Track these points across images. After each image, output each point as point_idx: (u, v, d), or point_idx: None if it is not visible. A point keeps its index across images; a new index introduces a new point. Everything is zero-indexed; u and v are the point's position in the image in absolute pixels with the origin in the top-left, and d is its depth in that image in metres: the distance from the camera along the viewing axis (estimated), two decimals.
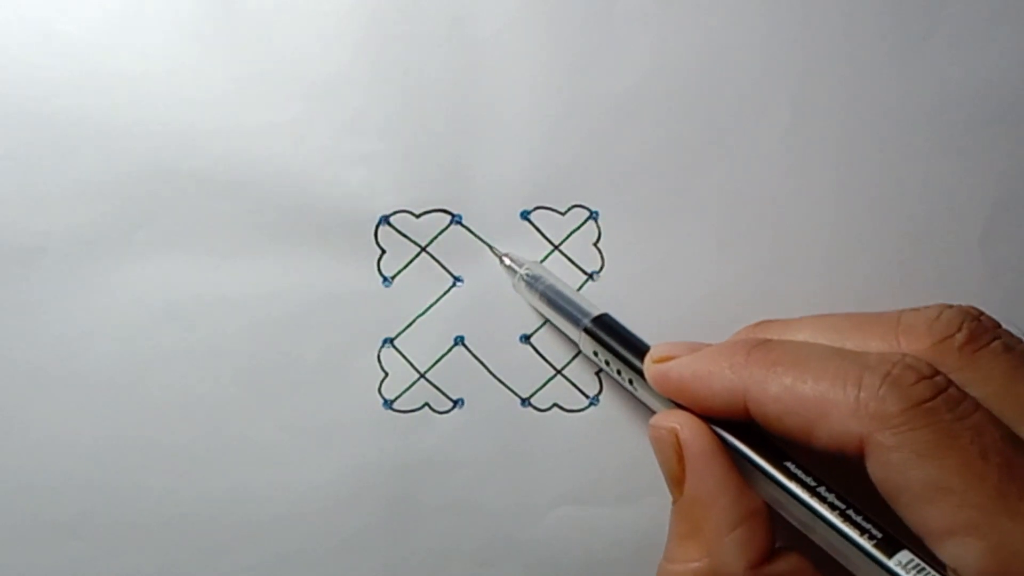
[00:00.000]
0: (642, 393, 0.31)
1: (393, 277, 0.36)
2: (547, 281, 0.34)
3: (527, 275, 0.34)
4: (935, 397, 0.23)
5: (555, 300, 0.34)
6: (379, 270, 0.36)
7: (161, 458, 0.35)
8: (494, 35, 0.36)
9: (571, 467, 0.35)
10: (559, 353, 0.36)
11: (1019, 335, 0.27)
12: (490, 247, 0.35)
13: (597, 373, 0.36)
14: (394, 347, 0.36)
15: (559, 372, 0.36)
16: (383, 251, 0.36)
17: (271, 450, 0.35)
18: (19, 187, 0.35)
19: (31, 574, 0.35)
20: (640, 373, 0.31)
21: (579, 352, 0.36)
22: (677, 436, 0.27)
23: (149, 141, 0.35)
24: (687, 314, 0.36)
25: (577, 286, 0.36)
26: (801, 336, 0.29)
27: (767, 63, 0.36)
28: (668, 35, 0.36)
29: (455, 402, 0.36)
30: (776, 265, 0.36)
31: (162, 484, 0.35)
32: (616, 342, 0.32)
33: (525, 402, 0.36)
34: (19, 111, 0.35)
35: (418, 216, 0.36)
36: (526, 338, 0.36)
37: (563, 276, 0.36)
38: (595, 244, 0.36)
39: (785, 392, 0.25)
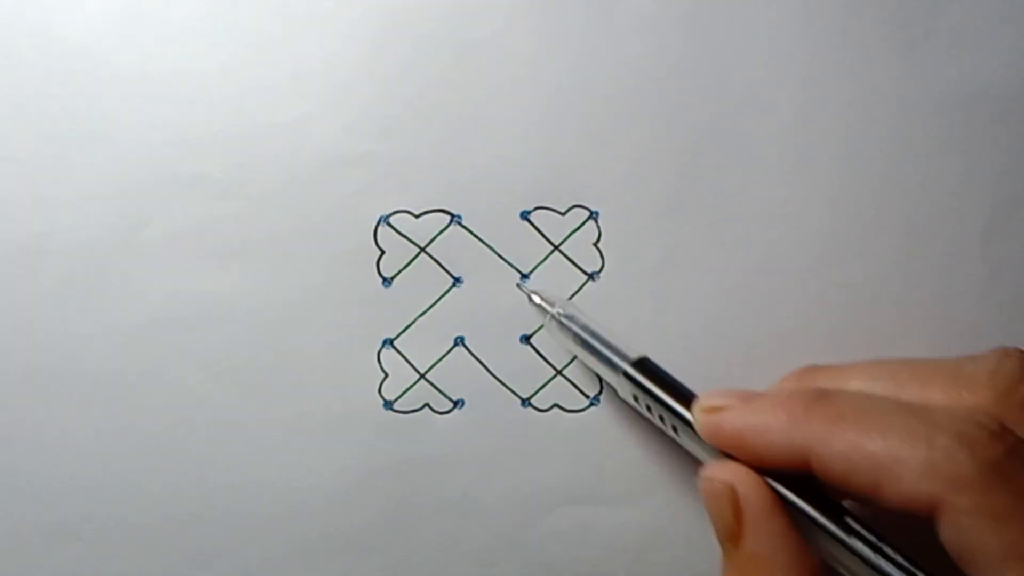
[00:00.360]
0: (686, 440, 0.30)
1: (393, 278, 0.36)
2: (581, 321, 0.33)
3: (560, 314, 0.33)
4: (1010, 458, 0.23)
5: (590, 341, 0.32)
6: (378, 271, 0.36)
7: (161, 459, 0.35)
8: (494, 35, 0.36)
9: (572, 467, 0.35)
10: (559, 353, 0.36)
11: None
12: (518, 285, 0.35)
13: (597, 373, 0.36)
14: (394, 348, 0.36)
15: (559, 372, 0.36)
16: (382, 251, 0.36)
17: (271, 450, 0.35)
18: (19, 187, 0.35)
19: (32, 575, 0.35)
20: (686, 421, 0.30)
21: None
22: (734, 490, 0.27)
23: (149, 141, 0.35)
24: (687, 314, 0.36)
25: (577, 286, 0.36)
26: (855, 384, 0.28)
27: (767, 63, 0.36)
28: (668, 35, 0.36)
29: (455, 403, 0.36)
30: (776, 265, 0.36)
31: (162, 484, 0.35)
32: (659, 388, 0.31)
33: (525, 402, 0.36)
34: (20, 111, 0.35)
35: (417, 216, 0.36)
36: (526, 338, 0.36)
37: (563, 276, 0.36)
38: (595, 244, 0.36)
39: (852, 449, 0.24)
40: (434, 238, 0.36)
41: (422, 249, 0.36)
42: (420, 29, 0.36)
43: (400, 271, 0.36)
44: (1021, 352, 0.27)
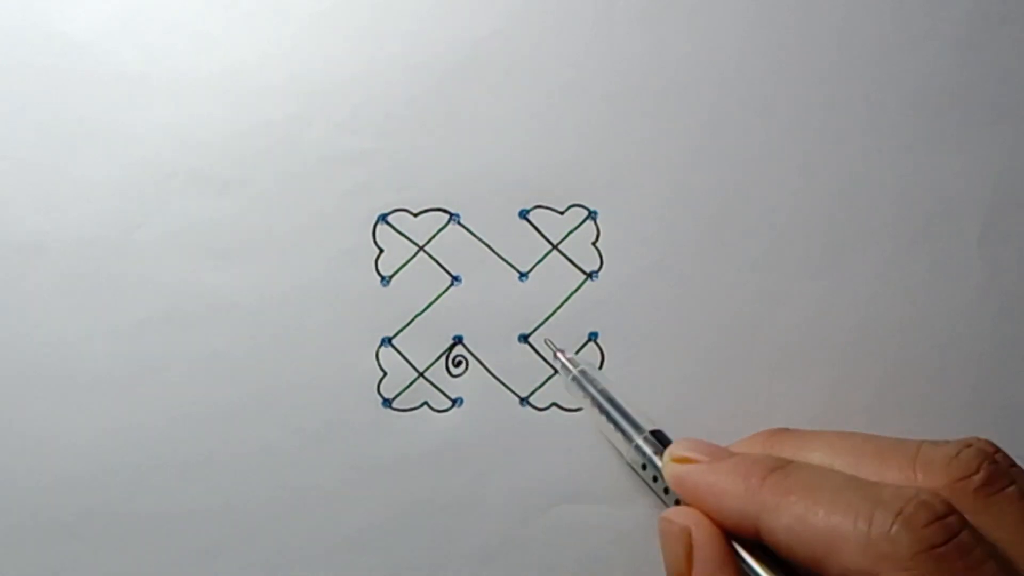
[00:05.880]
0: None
1: (391, 276, 0.36)
2: (600, 385, 0.34)
3: (582, 374, 0.34)
4: (947, 542, 0.23)
5: (606, 407, 0.33)
6: (377, 269, 0.36)
7: (159, 457, 0.35)
8: (493, 33, 0.36)
9: (570, 466, 0.35)
10: None
11: None
12: (546, 341, 0.35)
13: None
14: (392, 346, 0.36)
15: (558, 371, 0.36)
16: (381, 250, 0.36)
17: (269, 449, 0.35)
18: (19, 186, 0.35)
19: (31, 574, 0.35)
20: None
21: (578, 350, 0.36)
22: (690, 535, 0.27)
23: (147, 140, 0.35)
24: (686, 315, 0.36)
25: (576, 285, 0.36)
26: (816, 456, 0.29)
27: (766, 62, 0.36)
28: (667, 34, 0.36)
29: (454, 401, 0.36)
30: (775, 265, 0.36)
31: (161, 484, 0.35)
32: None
33: (524, 401, 0.36)
34: (20, 110, 0.35)
35: (416, 215, 0.36)
36: (524, 337, 0.36)
37: (562, 276, 0.36)
38: (594, 244, 0.36)
39: (797, 522, 0.25)
40: (433, 237, 0.36)
41: (421, 248, 0.36)
42: (419, 27, 0.36)
43: (399, 270, 0.36)
44: (985, 442, 0.27)
